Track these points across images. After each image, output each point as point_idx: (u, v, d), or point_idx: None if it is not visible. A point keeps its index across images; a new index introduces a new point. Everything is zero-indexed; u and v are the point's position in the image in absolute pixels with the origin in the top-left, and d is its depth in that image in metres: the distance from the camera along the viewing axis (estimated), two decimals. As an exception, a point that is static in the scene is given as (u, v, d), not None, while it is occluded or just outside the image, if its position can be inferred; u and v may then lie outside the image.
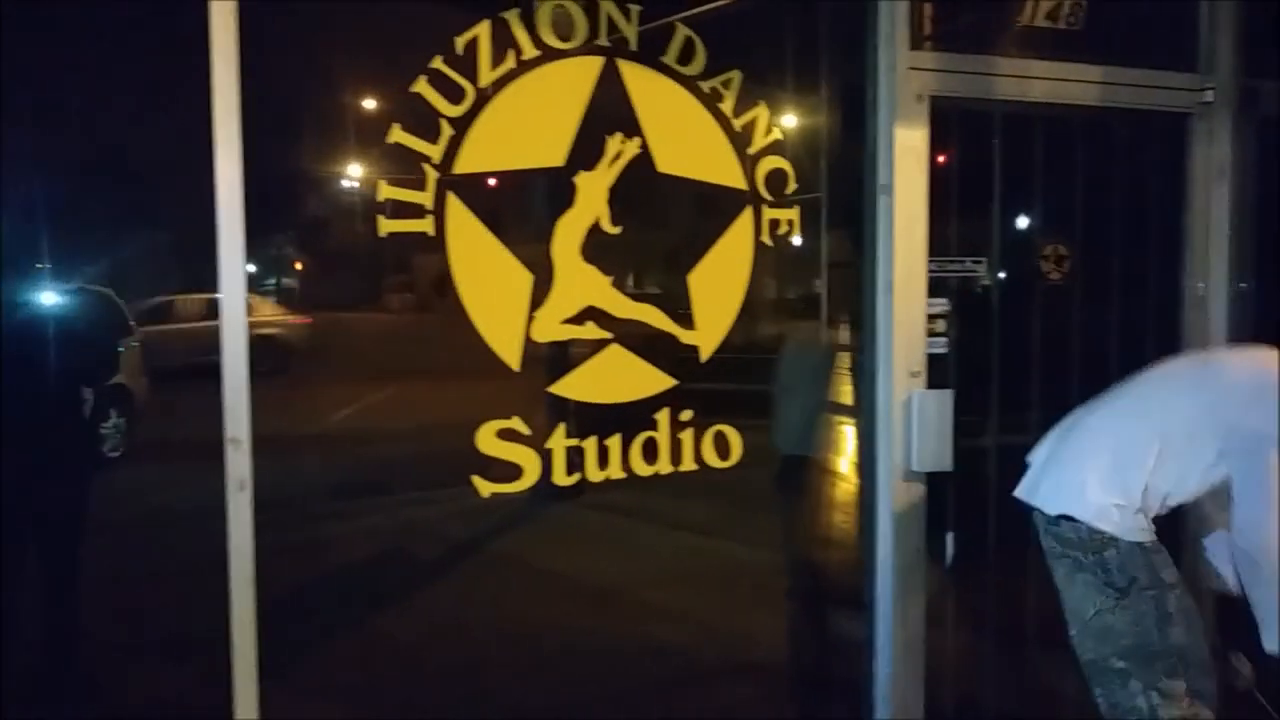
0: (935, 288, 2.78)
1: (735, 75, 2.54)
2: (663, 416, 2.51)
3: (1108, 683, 2.21)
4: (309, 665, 2.30)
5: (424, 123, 2.19)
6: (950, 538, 2.89)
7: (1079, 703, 2.95)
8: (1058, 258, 3.03)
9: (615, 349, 2.45)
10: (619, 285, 2.46)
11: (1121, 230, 3.10)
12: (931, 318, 2.78)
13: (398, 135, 2.19)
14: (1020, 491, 2.35)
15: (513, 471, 2.31)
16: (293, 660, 2.22)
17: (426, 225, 2.21)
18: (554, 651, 2.44)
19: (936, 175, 2.73)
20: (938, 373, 2.78)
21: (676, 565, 2.67)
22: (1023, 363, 3.00)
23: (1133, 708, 2.16)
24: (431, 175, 2.21)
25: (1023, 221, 3.03)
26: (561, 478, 2.37)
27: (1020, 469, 2.85)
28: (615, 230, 2.42)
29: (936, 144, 2.72)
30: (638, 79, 2.42)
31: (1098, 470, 2.21)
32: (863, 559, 2.80)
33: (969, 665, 2.99)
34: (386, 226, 2.17)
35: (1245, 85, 3.01)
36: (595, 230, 2.41)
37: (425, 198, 2.21)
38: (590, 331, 2.42)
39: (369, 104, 2.27)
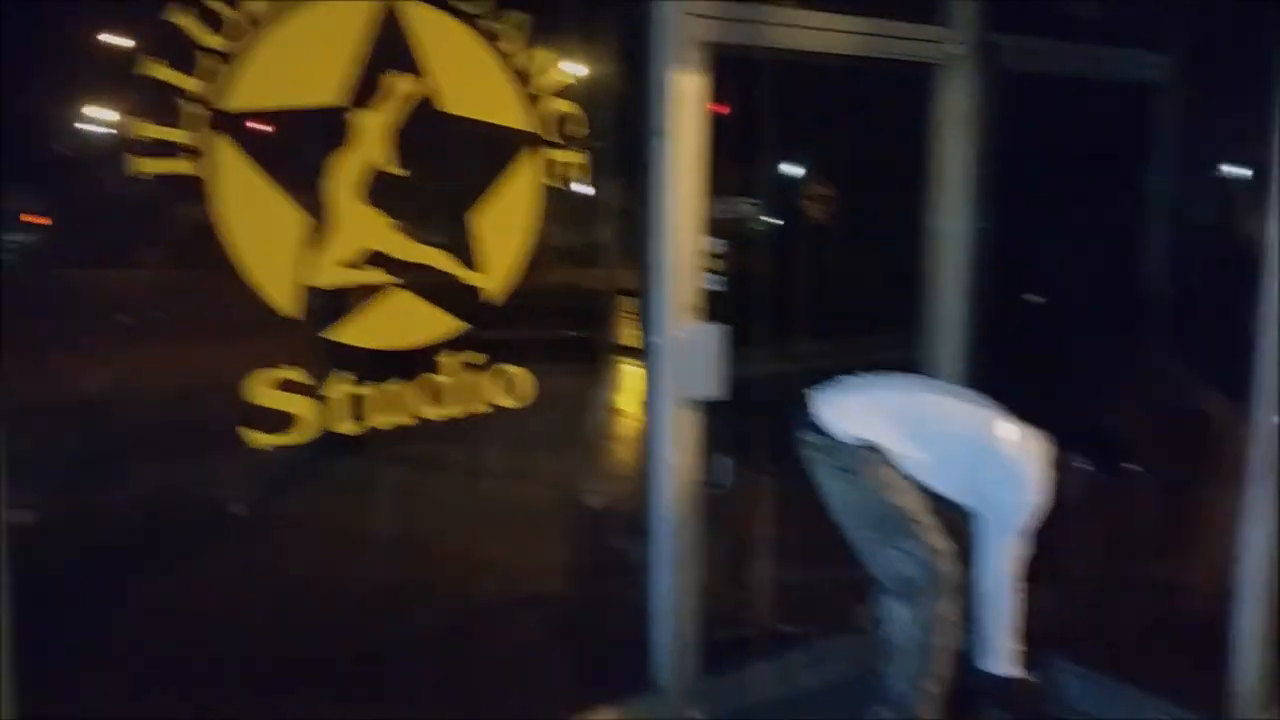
0: (712, 227, 2.92)
1: (518, 15, 2.50)
2: (451, 360, 2.51)
3: (870, 553, 2.66)
4: (74, 651, 2.15)
5: (182, 55, 2.03)
6: (724, 462, 3.09)
7: (844, 612, 3.29)
8: (820, 198, 3.24)
9: (399, 293, 2.42)
10: (402, 228, 2.41)
11: (877, 173, 3.35)
12: (706, 255, 2.92)
13: (151, 68, 2.02)
14: (811, 393, 2.75)
15: (292, 422, 2.26)
16: (56, 648, 2.07)
17: (190, 166, 2.07)
18: (344, 604, 2.43)
19: (713, 119, 2.83)
20: (714, 308, 2.93)
21: (468, 510, 2.71)
22: (791, 297, 3.21)
23: (891, 572, 2.62)
24: (193, 112, 2.07)
25: (793, 164, 3.20)
26: (345, 426, 2.34)
27: (786, 394, 3.13)
28: (397, 171, 2.36)
29: (713, 89, 2.81)
30: (419, 15, 2.34)
31: (869, 419, 2.66)
32: (644, 487, 2.95)
33: (744, 584, 3.24)
34: (145, 168, 2.02)
35: (987, 40, 3.28)
36: (376, 171, 2.34)
37: (188, 136, 2.06)
38: (372, 276, 2.37)
39: (120, 35, 2.08)
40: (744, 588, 3.25)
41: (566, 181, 2.69)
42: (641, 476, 2.96)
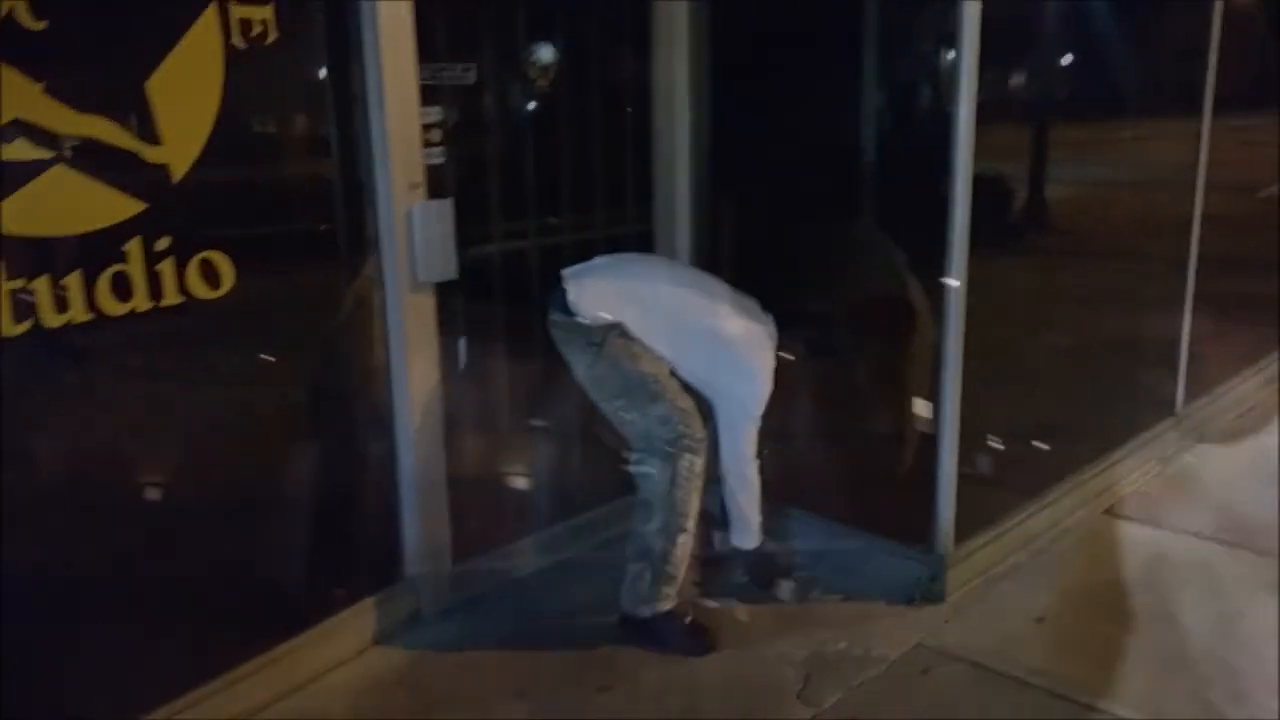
0: (428, 96, 2.73)
1: None
2: (133, 246, 2.21)
3: (620, 419, 2.74)
4: None
5: None
6: (462, 343, 2.99)
7: (590, 490, 3.32)
8: (544, 67, 3.10)
9: (60, 171, 2.08)
10: (58, 93, 2.06)
11: (601, 39, 3.25)
12: (426, 127, 2.74)
13: None
14: (561, 276, 2.76)
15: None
16: None
17: None
18: (70, 523, 2.19)
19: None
20: (437, 183, 2.77)
21: (196, 413, 2.46)
22: (518, 169, 3.09)
23: (642, 434, 2.72)
24: None
25: (513, 29, 3.03)
26: (8, 326, 2.03)
27: (522, 271, 3.06)
28: (38, 24, 2.00)
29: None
30: None
31: (614, 306, 2.69)
32: (383, 377, 2.81)
33: (489, 467, 3.19)
34: None
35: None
36: (12, 24, 1.98)
37: None
38: (21, 150, 2.02)
39: None
40: (492, 474, 3.20)
41: (259, 40, 2.39)
42: (381, 368, 2.80)
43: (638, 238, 3.46)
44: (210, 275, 2.36)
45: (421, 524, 2.91)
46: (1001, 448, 3.26)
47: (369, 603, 2.83)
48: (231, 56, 2.34)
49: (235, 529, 2.55)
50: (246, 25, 2.37)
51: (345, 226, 2.72)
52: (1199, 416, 4.38)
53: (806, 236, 3.32)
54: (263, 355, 2.58)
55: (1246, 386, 4.79)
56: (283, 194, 2.63)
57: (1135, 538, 3.47)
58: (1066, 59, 3.72)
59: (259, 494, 2.60)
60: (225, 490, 2.52)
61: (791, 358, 2.86)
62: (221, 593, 2.51)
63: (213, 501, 2.48)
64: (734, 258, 3.50)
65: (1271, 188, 5.45)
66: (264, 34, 2.41)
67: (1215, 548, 3.39)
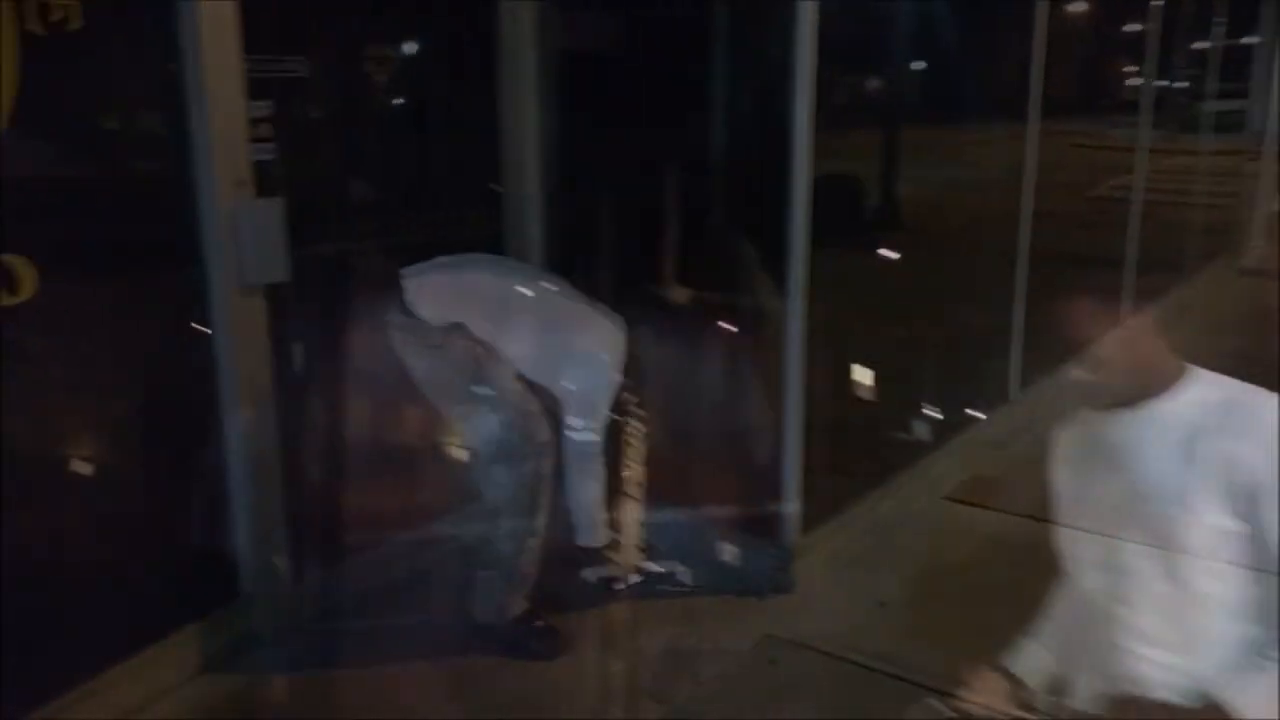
0: (257, 89, 2.61)
1: None
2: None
3: (463, 424, 2.70)
4: None
5: None
6: (296, 347, 2.87)
7: (436, 498, 3.24)
8: (381, 59, 3.02)
9: None
10: None
11: (445, 32, 3.18)
12: (255, 122, 2.62)
13: None
14: (398, 275, 2.68)
15: None
16: None
17: None
18: None
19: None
20: (267, 180, 2.65)
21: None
22: (357, 165, 2.99)
23: (486, 438, 2.65)
24: None
25: (349, 20, 2.93)
26: None
27: (360, 271, 2.97)
28: None
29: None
30: None
31: (457, 304, 2.64)
32: (211, 384, 2.67)
33: (330, 476, 3.07)
34: None
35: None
36: None
37: None
38: None
39: None
40: (330, 478, 3.08)
41: (61, 27, 2.23)
42: (208, 373, 2.66)
43: (486, 238, 3.40)
44: (7, 281, 2.19)
45: (256, 538, 2.78)
46: (846, 438, 3.35)
47: (198, 625, 2.67)
48: (30, 44, 2.18)
49: (41, 550, 2.37)
50: (45, 10, 2.21)
51: (166, 226, 2.57)
52: (1032, 402, 4.60)
53: (661, 235, 3.33)
54: (74, 363, 2.41)
55: (1078, 373, 5.06)
56: (94, 193, 2.47)
57: (974, 521, 3.62)
58: (911, 66, 3.86)
59: (70, 511, 2.43)
60: (28, 508, 2.33)
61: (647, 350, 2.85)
62: (25, 622, 2.30)
63: (13, 521, 2.30)
64: (586, 257, 3.48)
65: (1100, 187, 5.79)
66: (66, 19, 2.25)
67: (1049, 528, 3.55)
